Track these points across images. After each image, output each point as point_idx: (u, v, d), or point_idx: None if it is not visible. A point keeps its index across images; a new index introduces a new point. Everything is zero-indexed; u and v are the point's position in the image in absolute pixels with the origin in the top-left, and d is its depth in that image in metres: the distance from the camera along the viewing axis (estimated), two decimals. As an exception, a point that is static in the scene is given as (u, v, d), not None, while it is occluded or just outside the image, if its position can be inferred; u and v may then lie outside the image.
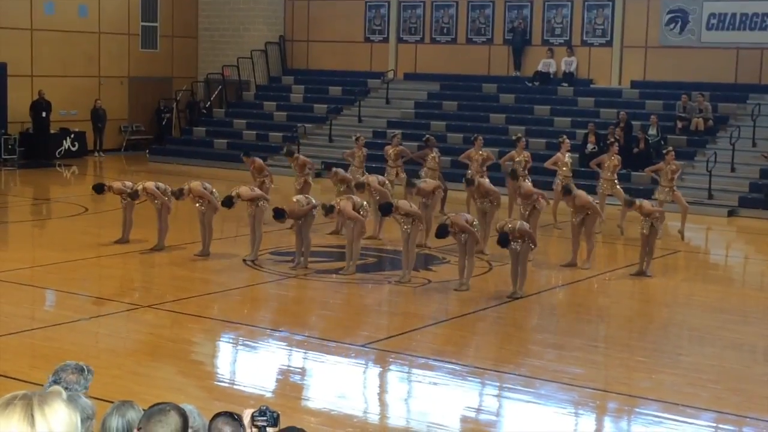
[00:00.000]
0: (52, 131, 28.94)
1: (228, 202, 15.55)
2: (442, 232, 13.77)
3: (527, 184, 17.48)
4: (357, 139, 21.27)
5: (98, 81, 30.59)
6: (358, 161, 20.62)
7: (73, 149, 29.49)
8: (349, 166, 20.66)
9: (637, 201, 15.36)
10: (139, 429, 3.74)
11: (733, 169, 23.30)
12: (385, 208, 14.80)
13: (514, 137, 20.85)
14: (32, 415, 2.55)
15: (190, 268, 15.40)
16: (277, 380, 10.56)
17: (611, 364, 11.22)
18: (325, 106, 29.85)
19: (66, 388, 4.71)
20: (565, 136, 20.39)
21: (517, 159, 19.18)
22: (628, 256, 16.82)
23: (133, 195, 16.19)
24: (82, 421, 3.03)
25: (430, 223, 16.52)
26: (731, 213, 21.93)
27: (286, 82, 32.20)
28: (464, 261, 14.06)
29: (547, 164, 19.60)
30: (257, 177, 18.96)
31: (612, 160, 19.01)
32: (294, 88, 31.65)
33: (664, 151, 19.20)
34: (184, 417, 3.73)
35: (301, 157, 19.72)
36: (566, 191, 15.96)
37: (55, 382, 4.81)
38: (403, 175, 19.99)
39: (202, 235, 15.89)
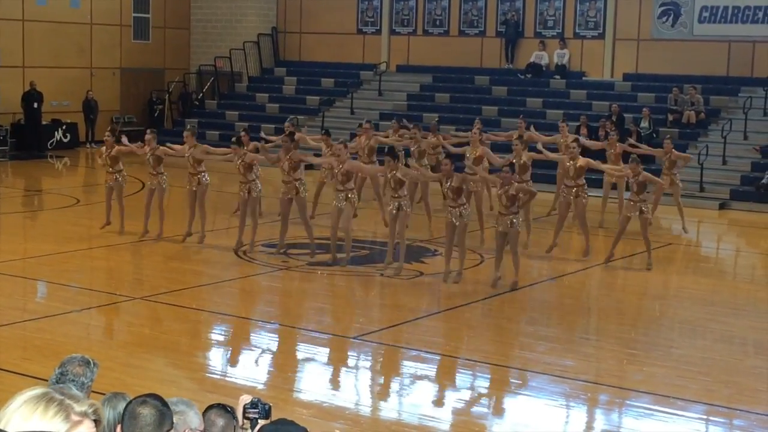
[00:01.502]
0: (43, 122, 28.86)
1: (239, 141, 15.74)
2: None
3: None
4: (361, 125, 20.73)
5: (90, 72, 30.52)
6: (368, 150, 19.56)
7: (65, 140, 29.44)
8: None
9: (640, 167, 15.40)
10: (121, 423, 3.73)
11: (724, 162, 23.35)
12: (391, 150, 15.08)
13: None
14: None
15: (182, 259, 15.40)
16: (269, 372, 10.58)
17: (602, 357, 11.25)
18: (318, 98, 29.83)
19: (72, 381, 4.72)
20: (564, 122, 20.51)
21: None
22: (620, 248, 16.84)
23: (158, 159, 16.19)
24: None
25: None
26: (723, 206, 21.98)
27: (279, 74, 32.17)
28: (451, 251, 14.10)
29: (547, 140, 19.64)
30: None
31: (613, 150, 19.03)
32: (286, 80, 31.62)
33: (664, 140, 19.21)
34: (160, 409, 3.71)
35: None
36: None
37: (62, 374, 4.81)
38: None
39: (190, 220, 15.91)
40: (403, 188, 14.51)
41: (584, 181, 16.05)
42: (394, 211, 14.47)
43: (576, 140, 17.11)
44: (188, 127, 16.86)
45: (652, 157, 20.41)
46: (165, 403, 3.75)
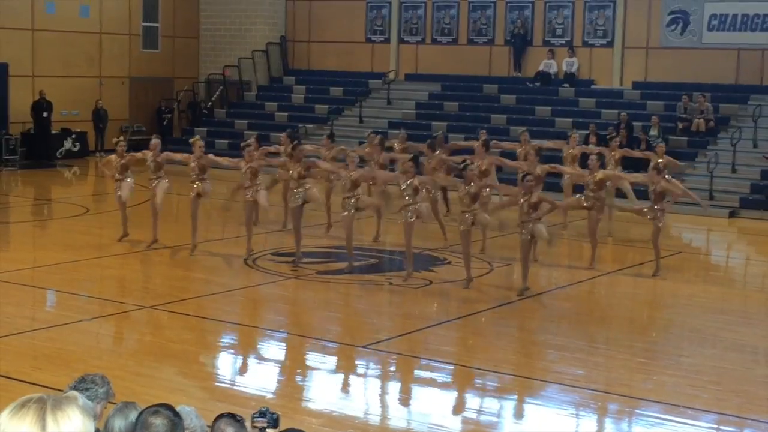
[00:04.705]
0: (53, 131, 28.94)
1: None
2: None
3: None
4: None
5: (99, 81, 30.58)
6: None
7: (75, 149, 29.50)
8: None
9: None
10: None
11: (734, 170, 23.29)
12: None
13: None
14: (44, 420, 2.55)
15: (190, 268, 15.41)
16: (278, 381, 10.57)
17: (612, 366, 11.22)
18: (327, 106, 29.86)
19: (86, 390, 4.75)
20: (574, 131, 20.44)
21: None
22: (630, 257, 16.81)
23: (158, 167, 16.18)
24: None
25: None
26: (732, 214, 21.93)
27: (288, 83, 32.21)
28: (470, 258, 14.15)
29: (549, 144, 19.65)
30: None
31: (614, 154, 18.97)
32: (295, 89, 31.66)
33: (655, 145, 19.00)
34: (172, 420, 3.72)
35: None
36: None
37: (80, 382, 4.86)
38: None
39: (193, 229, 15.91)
40: (418, 196, 14.57)
41: (602, 195, 15.91)
42: (411, 219, 14.46)
43: (598, 153, 17.03)
44: (196, 136, 16.81)
45: (647, 161, 20.34)
46: (177, 413, 3.76)
